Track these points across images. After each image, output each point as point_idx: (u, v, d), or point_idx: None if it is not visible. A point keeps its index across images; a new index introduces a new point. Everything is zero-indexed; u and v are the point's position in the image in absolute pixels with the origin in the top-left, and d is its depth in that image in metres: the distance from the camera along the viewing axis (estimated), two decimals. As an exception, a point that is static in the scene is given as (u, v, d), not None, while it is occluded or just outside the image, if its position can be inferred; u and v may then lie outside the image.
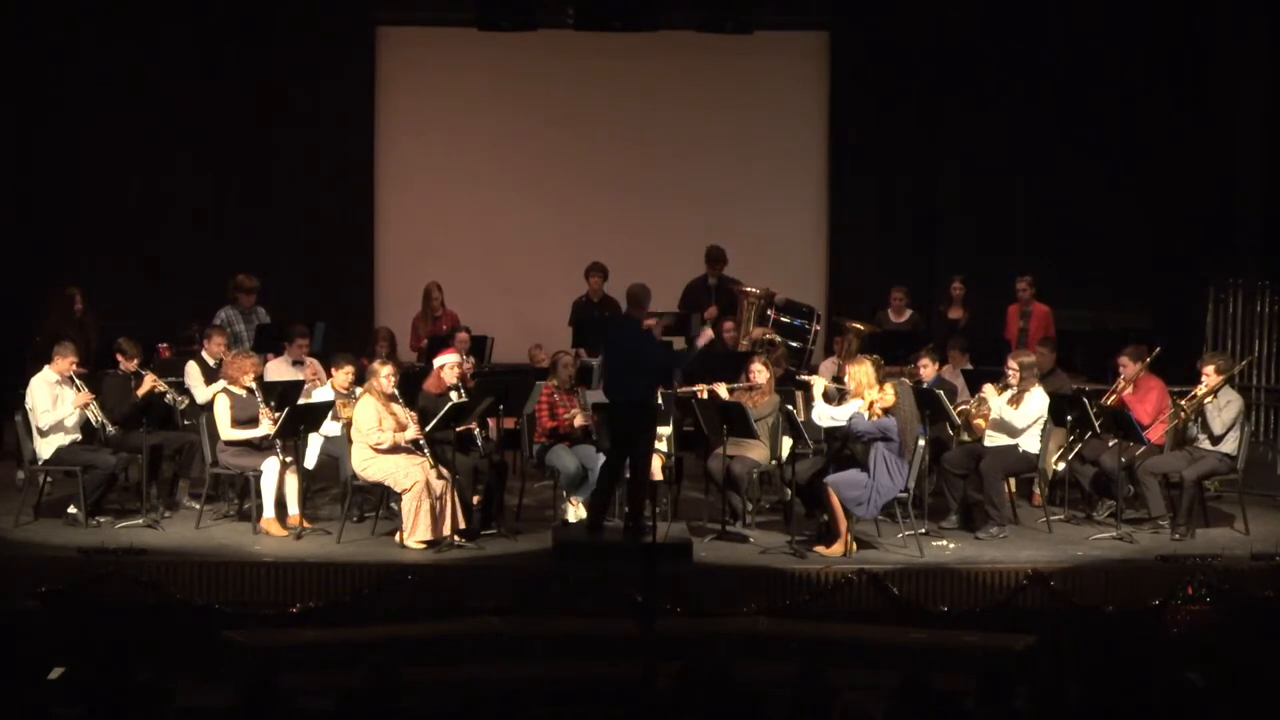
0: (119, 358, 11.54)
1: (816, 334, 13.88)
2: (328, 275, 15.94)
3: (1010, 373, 11.20)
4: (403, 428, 10.80)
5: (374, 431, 10.70)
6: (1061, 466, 11.56)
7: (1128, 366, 11.58)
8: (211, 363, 11.80)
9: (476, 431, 11.33)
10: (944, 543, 10.88)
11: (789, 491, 11.13)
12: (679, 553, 10.34)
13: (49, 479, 11.50)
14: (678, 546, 10.43)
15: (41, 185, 15.58)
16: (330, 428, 11.35)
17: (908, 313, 14.13)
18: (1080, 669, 9.52)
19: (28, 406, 11.08)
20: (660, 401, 11.19)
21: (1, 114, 15.31)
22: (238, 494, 11.64)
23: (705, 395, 11.15)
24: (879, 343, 12.73)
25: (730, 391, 11.19)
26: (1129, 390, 11.52)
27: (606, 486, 10.58)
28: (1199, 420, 11.21)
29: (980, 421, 11.31)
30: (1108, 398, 11.55)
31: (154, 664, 8.68)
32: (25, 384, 11.29)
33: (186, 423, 11.65)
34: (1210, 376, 11.16)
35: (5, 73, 15.27)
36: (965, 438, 11.54)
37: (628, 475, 10.53)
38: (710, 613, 9.92)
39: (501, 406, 11.50)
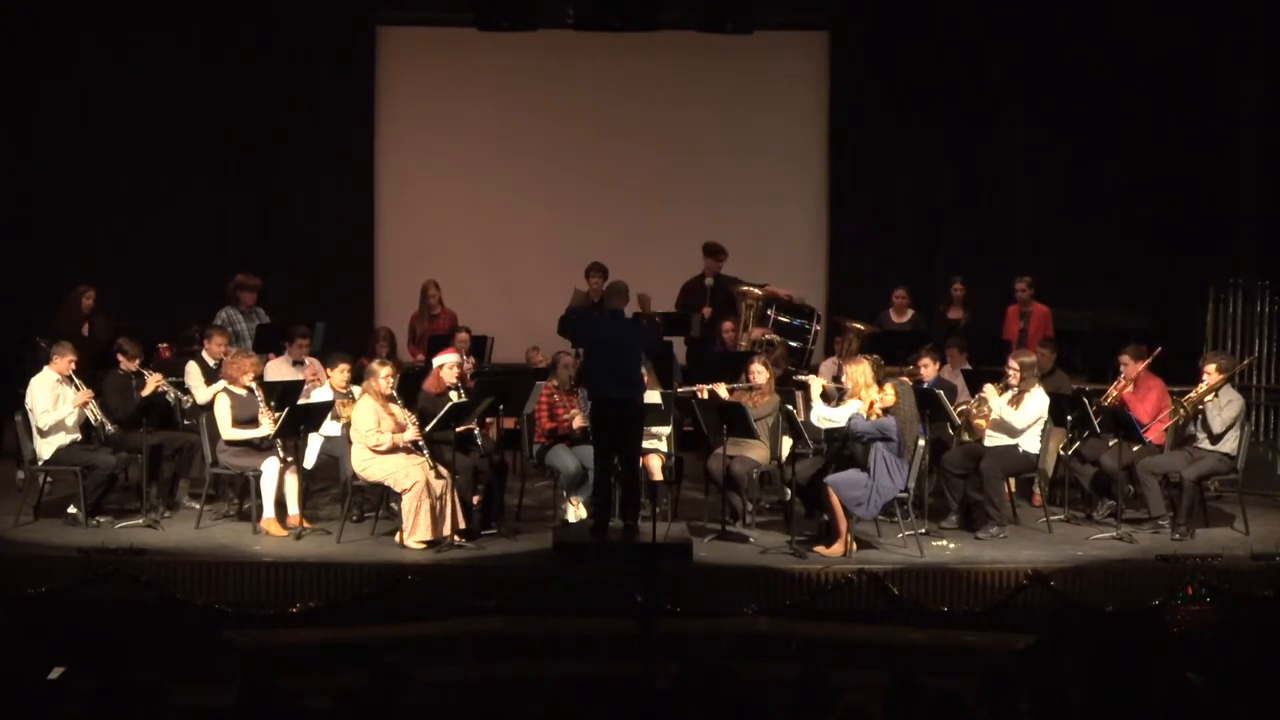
0: (120, 358, 11.54)
1: (816, 334, 13.87)
2: (328, 275, 15.94)
3: (1011, 373, 11.20)
4: (402, 428, 10.79)
5: (372, 433, 10.69)
6: (1061, 455, 11.56)
7: (1129, 366, 11.58)
8: (211, 363, 11.80)
9: (476, 431, 11.32)
10: (944, 543, 10.88)
11: (789, 491, 11.13)
12: (679, 553, 10.33)
13: (49, 479, 11.50)
14: (678, 546, 10.42)
15: (42, 185, 15.57)
16: (330, 428, 11.34)
17: (910, 313, 14.13)
18: (1080, 669, 9.54)
19: (28, 406, 11.07)
20: (660, 401, 11.22)
21: (3, 114, 15.31)
22: (238, 494, 11.64)
23: (705, 395, 11.15)
24: (879, 343, 12.73)
25: (730, 391, 11.19)
26: (1129, 390, 11.52)
27: (602, 486, 10.57)
28: (1199, 419, 11.21)
29: (980, 421, 11.31)
30: (1107, 397, 11.55)
31: (154, 664, 8.70)
32: (25, 384, 11.28)
33: (186, 423, 11.65)
34: (1211, 375, 11.16)
35: (6, 73, 15.27)
36: (965, 438, 11.54)
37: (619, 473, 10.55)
38: (710, 613, 9.91)
39: (501, 406, 11.51)
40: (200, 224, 15.81)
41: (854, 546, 10.52)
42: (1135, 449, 11.20)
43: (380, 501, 11.20)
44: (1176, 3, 15.57)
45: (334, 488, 11.74)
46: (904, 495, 10.52)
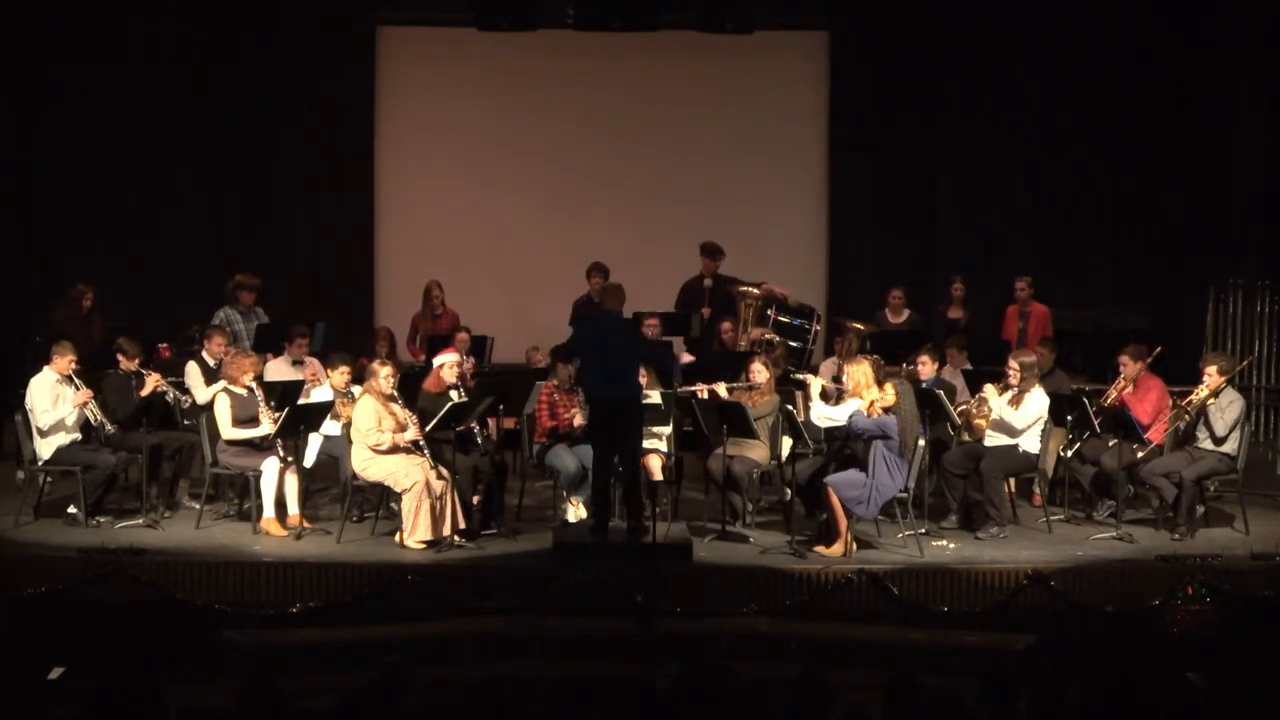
0: (120, 357, 11.54)
1: (816, 334, 13.88)
2: (328, 275, 15.96)
3: (1011, 373, 11.20)
4: (402, 428, 10.79)
5: (373, 432, 10.69)
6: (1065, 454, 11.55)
7: (1128, 366, 11.58)
8: (211, 363, 11.80)
9: (475, 429, 11.32)
10: (944, 543, 10.88)
11: (789, 491, 11.13)
12: (679, 553, 10.33)
13: (49, 479, 11.49)
14: (678, 546, 10.42)
15: (42, 184, 15.59)
16: (330, 428, 11.34)
17: (906, 313, 14.14)
18: (1080, 669, 9.53)
19: (28, 407, 11.07)
20: (660, 401, 11.22)
21: (1, 114, 15.31)
22: (238, 494, 11.64)
23: (705, 395, 11.15)
24: (879, 343, 12.74)
25: (730, 391, 11.19)
26: (1129, 390, 11.52)
27: (601, 487, 10.58)
28: (1201, 420, 11.21)
29: (980, 421, 11.30)
30: (1107, 397, 11.55)
31: (154, 664, 8.70)
32: (25, 384, 11.28)
33: (186, 423, 11.65)
34: (1212, 376, 11.15)
35: (5, 73, 15.27)
36: (965, 438, 11.54)
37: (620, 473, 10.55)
38: (710, 613, 9.91)
39: (501, 406, 11.50)
40: (200, 224, 15.83)
41: (854, 546, 10.51)
42: (1136, 449, 11.19)
43: (380, 501, 11.20)
44: (1177, 3, 15.57)
45: (334, 488, 11.74)
46: (904, 495, 10.52)
